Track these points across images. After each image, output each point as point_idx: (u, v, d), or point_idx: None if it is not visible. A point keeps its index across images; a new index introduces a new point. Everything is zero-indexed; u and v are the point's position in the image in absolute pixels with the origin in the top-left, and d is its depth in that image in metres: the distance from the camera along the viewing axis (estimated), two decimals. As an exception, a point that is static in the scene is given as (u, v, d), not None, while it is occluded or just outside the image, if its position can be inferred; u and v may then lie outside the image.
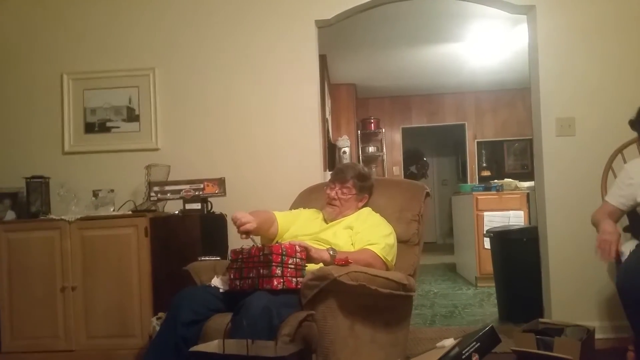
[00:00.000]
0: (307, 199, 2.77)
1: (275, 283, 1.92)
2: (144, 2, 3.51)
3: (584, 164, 3.14)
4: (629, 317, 2.24)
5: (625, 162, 2.71)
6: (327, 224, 2.47)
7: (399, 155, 8.83)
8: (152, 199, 3.12)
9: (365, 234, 2.33)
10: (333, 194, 2.48)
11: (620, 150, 2.85)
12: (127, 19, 3.51)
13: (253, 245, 2.09)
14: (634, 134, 2.61)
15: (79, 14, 3.54)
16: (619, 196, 2.48)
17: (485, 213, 5.15)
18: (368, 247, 2.26)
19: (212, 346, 1.73)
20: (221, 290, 2.13)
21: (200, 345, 1.80)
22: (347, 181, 2.49)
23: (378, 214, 2.50)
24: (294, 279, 1.97)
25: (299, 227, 2.47)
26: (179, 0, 3.49)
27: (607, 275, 2.61)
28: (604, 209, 2.51)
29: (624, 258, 2.46)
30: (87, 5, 3.54)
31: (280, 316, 1.88)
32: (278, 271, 1.93)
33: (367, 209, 2.54)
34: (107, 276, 3.00)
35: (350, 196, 2.49)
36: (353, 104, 7.76)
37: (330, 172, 5.18)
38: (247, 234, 2.17)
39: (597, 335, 2.68)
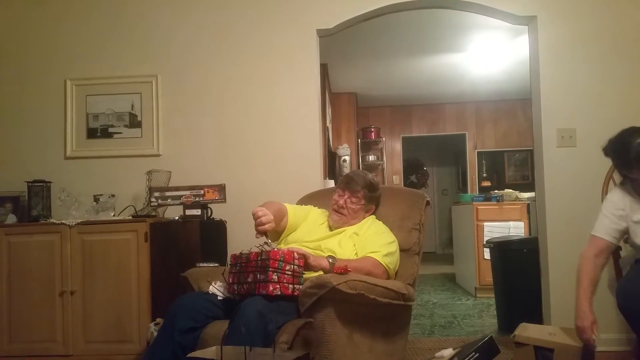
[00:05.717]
0: (307, 204, 2.75)
1: (271, 288, 1.91)
2: (148, 10, 3.54)
3: (585, 175, 3.13)
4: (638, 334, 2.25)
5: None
6: (332, 230, 2.46)
7: (399, 165, 8.82)
8: (152, 204, 3.13)
9: (367, 241, 2.32)
10: (342, 201, 2.45)
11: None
12: (130, 26, 3.53)
13: (251, 250, 2.07)
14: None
15: (82, 20, 3.56)
16: (613, 230, 2.27)
17: (485, 223, 5.14)
18: (370, 254, 2.25)
19: (209, 353, 1.72)
20: (219, 297, 2.12)
21: (197, 352, 1.78)
22: (358, 191, 2.46)
23: (381, 222, 2.49)
24: (291, 286, 1.96)
25: (304, 232, 2.45)
26: (183, 9, 3.51)
27: (608, 288, 2.60)
28: (595, 246, 2.29)
29: (624, 272, 2.45)
30: (91, 12, 3.57)
31: (277, 322, 1.87)
32: (274, 276, 1.92)
33: (371, 217, 2.53)
34: (106, 281, 2.99)
35: (359, 206, 2.46)
36: (353, 112, 7.78)
37: (331, 180, 5.21)
38: (264, 233, 2.11)
39: (597, 348, 2.66)
